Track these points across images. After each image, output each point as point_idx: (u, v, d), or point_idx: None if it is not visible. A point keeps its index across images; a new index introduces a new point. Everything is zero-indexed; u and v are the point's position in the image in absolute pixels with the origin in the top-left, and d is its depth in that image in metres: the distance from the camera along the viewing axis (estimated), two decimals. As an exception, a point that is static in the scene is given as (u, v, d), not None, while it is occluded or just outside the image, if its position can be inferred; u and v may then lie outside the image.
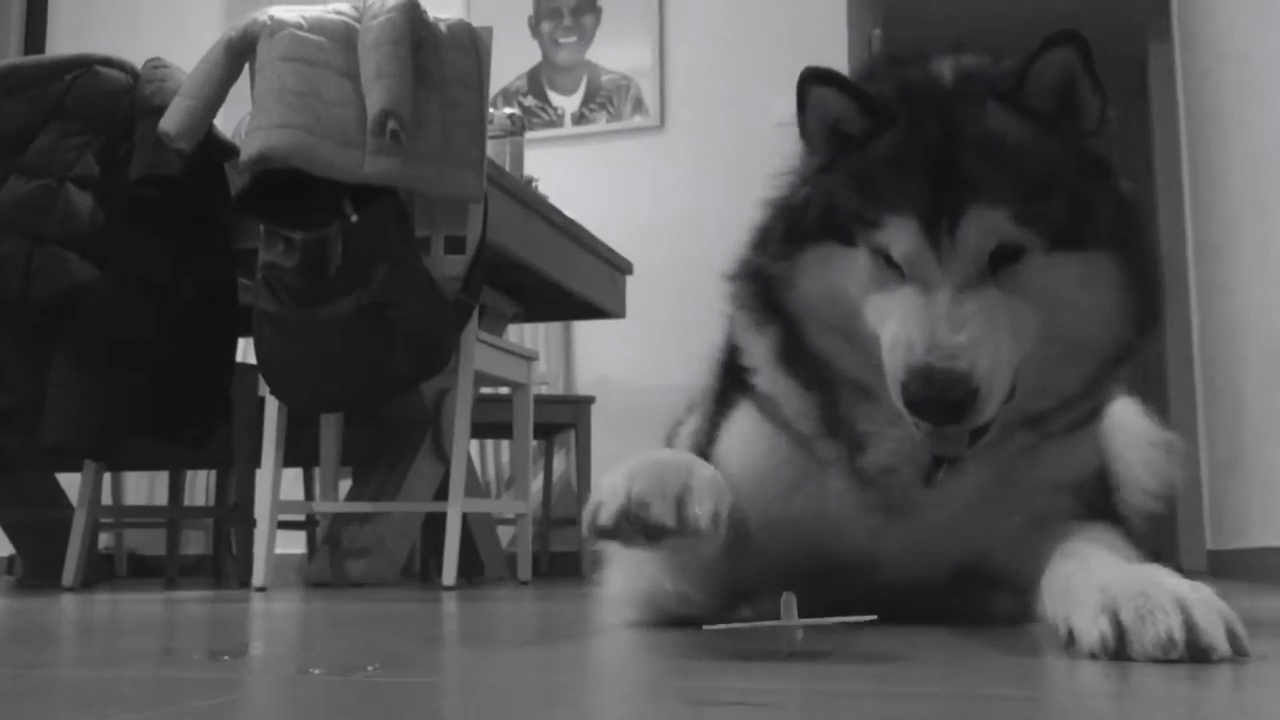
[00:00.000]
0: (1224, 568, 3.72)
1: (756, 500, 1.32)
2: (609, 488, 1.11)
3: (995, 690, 0.86)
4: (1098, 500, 1.34)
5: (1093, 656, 0.97)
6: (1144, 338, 1.27)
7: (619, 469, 1.14)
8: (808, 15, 4.68)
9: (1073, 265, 1.18)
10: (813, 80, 1.29)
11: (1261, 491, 3.33)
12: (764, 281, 1.33)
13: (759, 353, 1.36)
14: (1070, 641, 1.01)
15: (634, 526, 1.08)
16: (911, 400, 1.12)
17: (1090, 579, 1.04)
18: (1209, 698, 0.82)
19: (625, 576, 1.44)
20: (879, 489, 1.30)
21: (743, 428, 1.38)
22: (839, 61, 4.63)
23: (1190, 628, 0.93)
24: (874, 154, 1.22)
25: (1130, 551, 1.20)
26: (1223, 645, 0.93)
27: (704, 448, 1.40)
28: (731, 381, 1.41)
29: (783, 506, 1.33)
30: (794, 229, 1.29)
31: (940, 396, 1.10)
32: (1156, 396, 5.71)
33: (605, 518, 1.09)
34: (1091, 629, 0.97)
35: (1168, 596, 0.96)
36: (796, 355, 1.31)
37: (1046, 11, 5.81)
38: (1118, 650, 0.95)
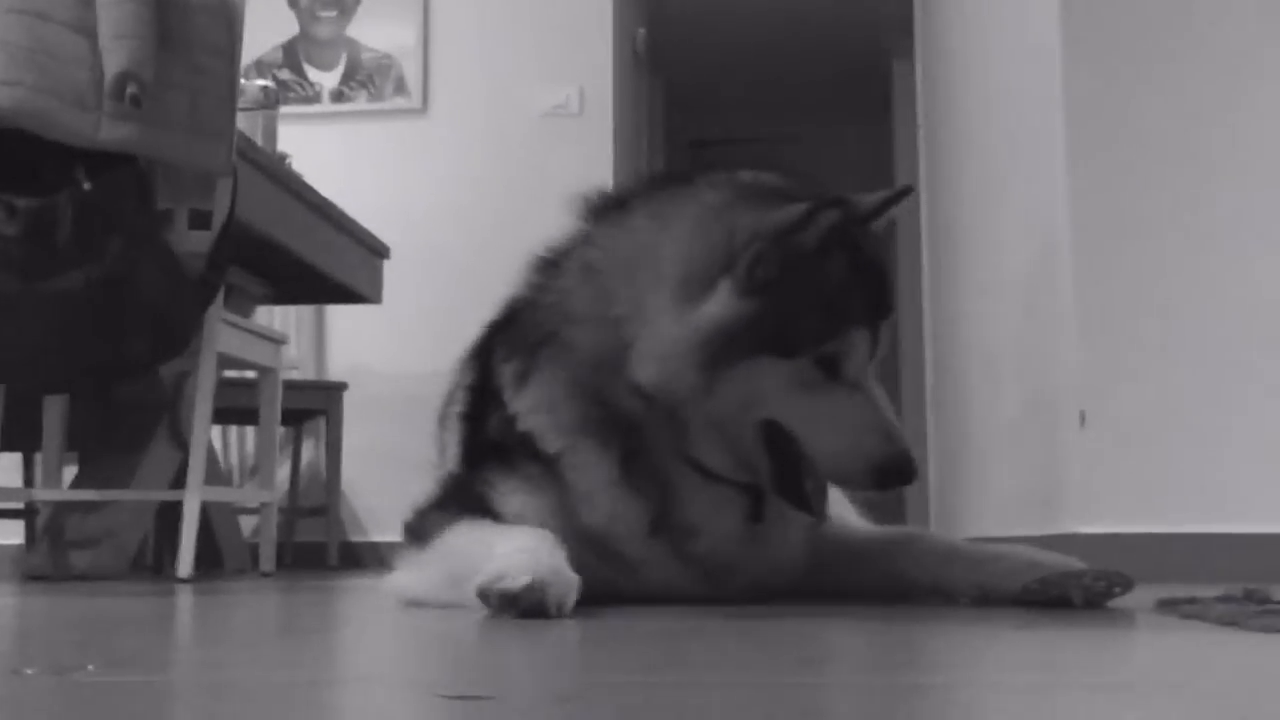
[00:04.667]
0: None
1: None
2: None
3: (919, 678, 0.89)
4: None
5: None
6: None
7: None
8: (576, 8, 4.70)
9: None
10: None
11: (978, 485, 3.58)
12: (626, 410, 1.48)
13: (586, 456, 1.49)
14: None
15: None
16: None
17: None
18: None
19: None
20: (697, 569, 1.50)
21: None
22: (604, 56, 4.67)
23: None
24: None
25: None
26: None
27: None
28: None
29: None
30: None
31: None
32: (890, 397, 6.04)
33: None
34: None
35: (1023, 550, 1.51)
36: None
37: (801, 22, 6.06)
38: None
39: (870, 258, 1.45)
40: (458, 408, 1.67)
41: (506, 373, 1.54)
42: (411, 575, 1.52)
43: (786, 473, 1.45)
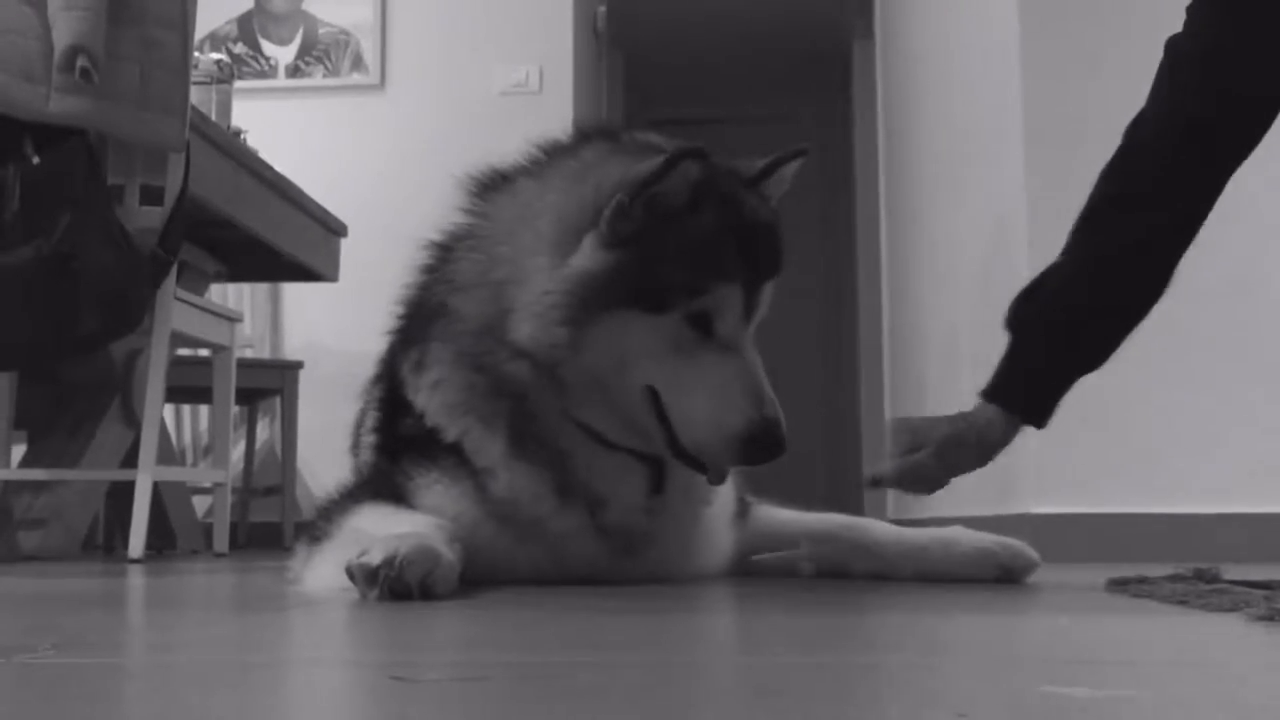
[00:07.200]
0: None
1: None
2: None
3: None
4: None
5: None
6: None
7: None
8: (534, -15, 4.66)
9: None
10: None
11: (936, 466, 3.61)
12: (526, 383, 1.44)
13: (479, 440, 1.45)
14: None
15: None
16: None
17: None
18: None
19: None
20: (615, 541, 1.47)
21: (442, 509, 1.45)
22: (563, 34, 4.64)
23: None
24: None
25: None
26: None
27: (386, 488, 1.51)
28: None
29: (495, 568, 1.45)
30: None
31: None
32: (848, 378, 6.07)
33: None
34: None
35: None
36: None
37: (762, 2, 6.05)
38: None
39: (749, 217, 1.43)
40: (370, 424, 1.63)
41: (407, 366, 1.52)
42: (314, 570, 1.44)
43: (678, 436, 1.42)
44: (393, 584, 1.20)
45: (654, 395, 1.41)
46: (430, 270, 1.57)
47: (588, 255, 1.38)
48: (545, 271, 1.40)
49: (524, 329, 1.40)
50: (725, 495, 1.62)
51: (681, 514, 1.53)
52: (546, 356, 1.40)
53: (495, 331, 1.43)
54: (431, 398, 1.48)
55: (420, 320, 1.53)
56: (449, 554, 1.27)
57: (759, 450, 1.36)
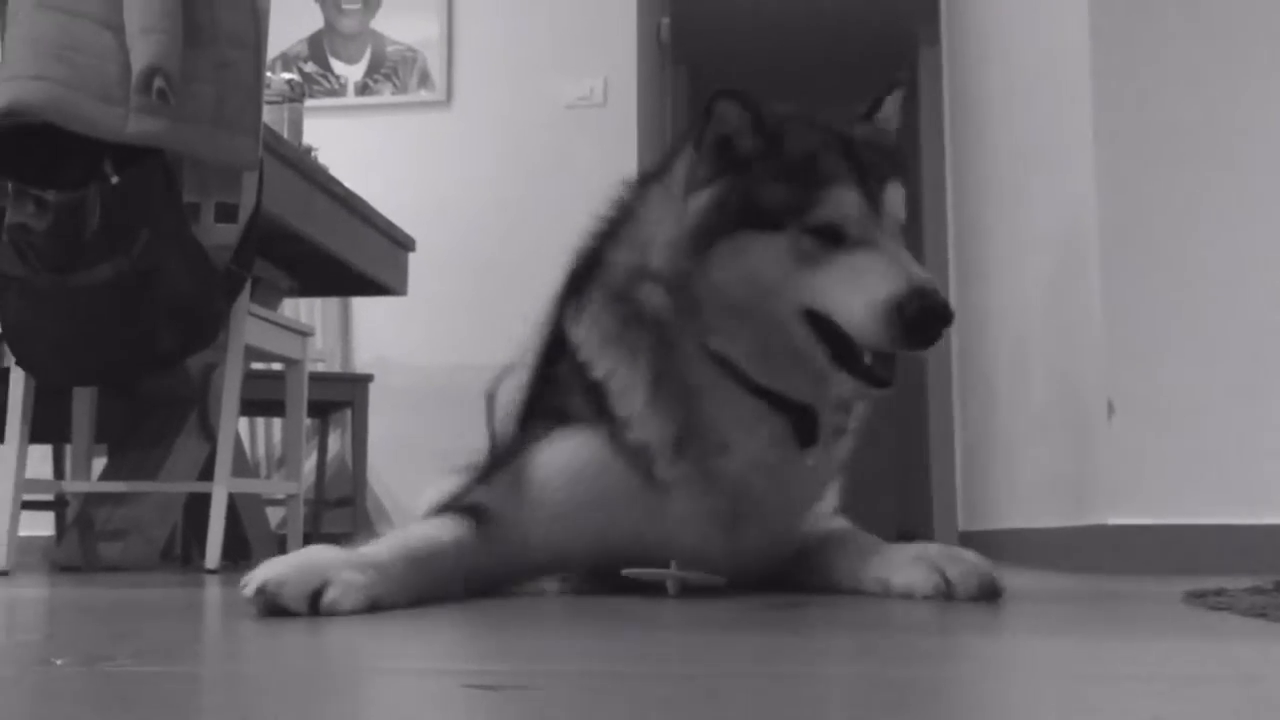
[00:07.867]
0: (972, 547, 3.96)
1: (573, 516, 1.53)
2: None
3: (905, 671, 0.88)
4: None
5: (925, 598, 1.43)
6: None
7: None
8: (598, -1, 4.69)
9: None
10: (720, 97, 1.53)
11: (1005, 476, 3.56)
12: (641, 298, 1.55)
13: (623, 378, 1.54)
14: (899, 592, 1.47)
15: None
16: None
17: (906, 552, 1.53)
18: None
19: None
20: (726, 497, 1.51)
21: (576, 451, 1.55)
22: (628, 47, 4.66)
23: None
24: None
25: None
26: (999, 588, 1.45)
27: (518, 453, 1.59)
28: (564, 392, 1.60)
29: (608, 525, 1.54)
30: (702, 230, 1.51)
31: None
32: (916, 389, 6.02)
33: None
34: (928, 582, 1.44)
35: (972, 558, 1.48)
36: (668, 373, 1.52)
37: (826, 9, 6.03)
38: (948, 593, 1.43)
39: (843, 130, 1.55)
40: (530, 360, 1.73)
41: (570, 309, 1.64)
42: None
43: (840, 349, 1.45)
44: (268, 603, 1.30)
45: (813, 319, 1.46)
46: (595, 236, 1.70)
47: (694, 198, 1.52)
48: (673, 215, 1.54)
49: (657, 261, 1.53)
50: (829, 498, 1.70)
51: (804, 484, 1.58)
52: (677, 278, 1.51)
53: (640, 269, 1.56)
54: (590, 332, 1.59)
55: (584, 274, 1.66)
56: (351, 574, 1.33)
57: (921, 317, 1.37)
